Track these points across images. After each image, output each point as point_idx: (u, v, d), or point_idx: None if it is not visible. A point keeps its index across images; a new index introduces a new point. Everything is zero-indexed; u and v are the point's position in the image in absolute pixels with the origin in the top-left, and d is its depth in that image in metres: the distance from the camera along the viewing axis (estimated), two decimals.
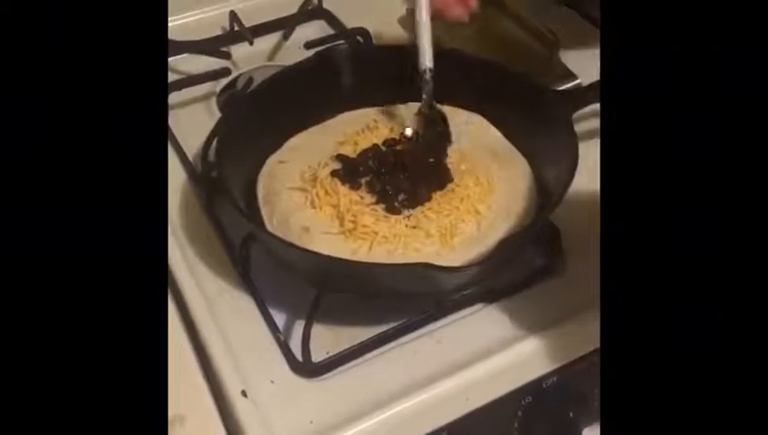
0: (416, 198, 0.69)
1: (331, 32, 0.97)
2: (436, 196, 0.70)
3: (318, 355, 0.62)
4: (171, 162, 0.79)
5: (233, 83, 0.91)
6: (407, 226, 0.67)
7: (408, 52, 0.76)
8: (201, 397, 0.61)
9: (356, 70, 0.80)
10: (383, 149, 0.74)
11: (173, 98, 0.86)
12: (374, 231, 0.66)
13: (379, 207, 0.68)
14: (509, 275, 0.68)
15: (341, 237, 0.67)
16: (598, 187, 0.46)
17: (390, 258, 0.65)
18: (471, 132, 0.77)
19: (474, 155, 0.74)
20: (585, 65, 0.83)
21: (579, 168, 0.66)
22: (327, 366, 0.63)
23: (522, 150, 0.76)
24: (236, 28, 0.95)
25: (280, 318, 0.66)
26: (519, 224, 0.69)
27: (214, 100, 0.88)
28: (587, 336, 0.64)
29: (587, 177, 0.67)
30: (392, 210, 0.68)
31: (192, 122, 0.85)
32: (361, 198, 0.69)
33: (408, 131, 0.76)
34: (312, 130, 0.79)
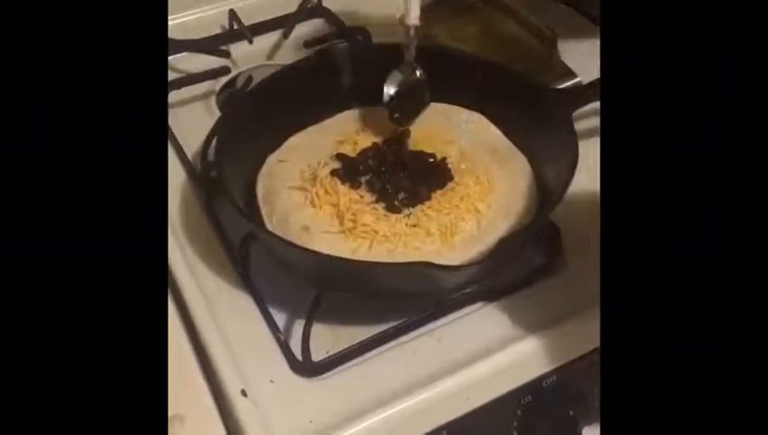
0: (416, 197, 0.69)
1: (331, 30, 0.97)
2: (437, 194, 0.70)
3: (318, 355, 0.62)
4: (171, 161, 0.79)
5: (232, 82, 0.90)
6: (407, 224, 0.67)
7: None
8: (201, 396, 0.61)
9: (356, 69, 0.80)
10: (383, 147, 0.74)
11: (172, 97, 0.86)
12: (374, 230, 0.66)
13: (379, 206, 0.68)
14: (509, 273, 0.68)
15: (341, 236, 0.67)
16: (598, 185, 0.46)
17: (390, 257, 0.65)
18: (471, 131, 0.77)
19: (474, 154, 0.74)
20: (585, 63, 0.83)
21: (579, 166, 0.66)
22: (327, 365, 0.62)
23: (522, 149, 0.76)
24: (236, 27, 0.95)
25: (280, 317, 0.66)
26: (519, 222, 0.69)
27: (213, 98, 0.88)
28: (587, 335, 0.64)
29: (587, 175, 0.67)
30: (392, 209, 0.68)
31: (191, 121, 0.85)
32: (361, 196, 0.69)
33: (386, 95, 0.76)
34: (312, 129, 0.79)
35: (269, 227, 0.69)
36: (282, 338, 0.65)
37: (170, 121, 0.83)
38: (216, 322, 0.65)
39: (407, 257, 0.64)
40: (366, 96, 0.79)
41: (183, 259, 0.69)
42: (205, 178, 0.76)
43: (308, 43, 0.95)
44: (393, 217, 0.68)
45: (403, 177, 0.71)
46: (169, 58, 0.90)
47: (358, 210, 0.68)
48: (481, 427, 0.65)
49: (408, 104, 0.76)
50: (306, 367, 0.62)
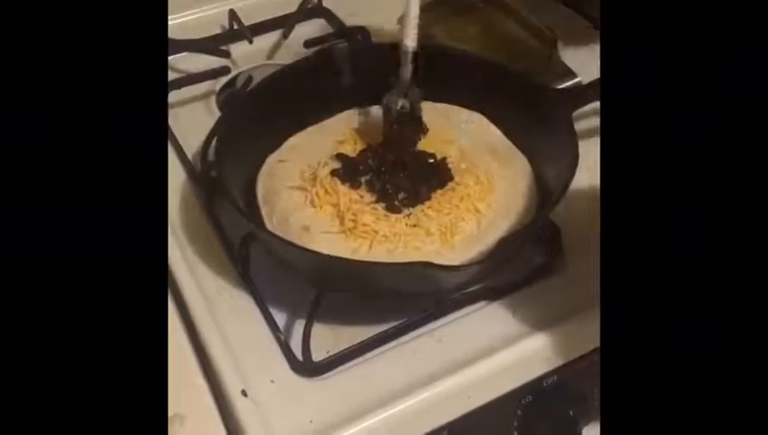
0: (416, 197, 0.69)
1: (331, 30, 0.97)
2: (437, 194, 0.70)
3: (318, 355, 0.62)
4: (171, 161, 0.78)
5: (232, 82, 0.90)
6: (407, 224, 0.67)
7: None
8: (201, 396, 0.61)
9: (356, 69, 0.80)
10: (384, 147, 0.74)
11: (172, 97, 0.86)
12: (374, 230, 0.66)
13: (379, 206, 0.68)
14: (509, 273, 0.68)
15: (341, 236, 0.67)
16: (598, 185, 0.46)
17: (391, 257, 0.65)
18: (471, 131, 0.77)
19: (474, 154, 0.74)
20: (585, 63, 0.83)
21: (579, 166, 0.66)
22: (327, 365, 0.63)
23: (522, 149, 0.76)
24: (236, 27, 0.95)
25: (280, 317, 0.66)
26: (519, 222, 0.69)
27: (213, 98, 0.88)
28: (587, 335, 0.64)
29: (587, 175, 0.67)
30: (392, 209, 0.68)
31: (191, 121, 0.84)
32: (361, 196, 0.69)
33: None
34: (312, 129, 0.79)
35: (269, 227, 0.69)
36: (282, 338, 0.65)
37: (170, 121, 0.83)
38: (216, 322, 0.65)
39: (407, 257, 0.64)
40: (366, 96, 0.79)
41: (183, 259, 0.69)
42: (205, 178, 0.76)
43: (308, 43, 0.95)
44: (393, 217, 0.68)
45: (403, 177, 0.70)
46: (169, 58, 0.90)
47: (358, 210, 0.68)
48: (481, 427, 0.65)
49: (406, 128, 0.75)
50: (306, 367, 0.62)
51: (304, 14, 0.98)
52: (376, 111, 0.78)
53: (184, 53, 0.92)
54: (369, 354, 0.64)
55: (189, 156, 0.80)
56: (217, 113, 0.85)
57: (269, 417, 0.59)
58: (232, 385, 0.60)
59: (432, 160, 0.73)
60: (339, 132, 0.77)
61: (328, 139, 0.76)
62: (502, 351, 0.63)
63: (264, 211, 0.71)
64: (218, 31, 0.96)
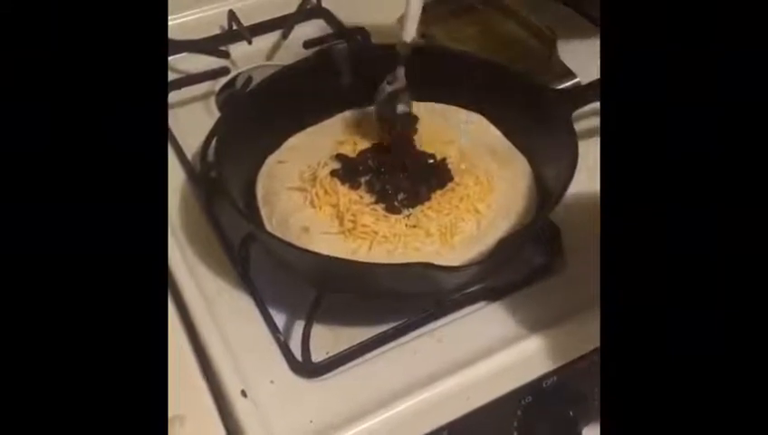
0: (415, 198, 0.69)
1: (330, 31, 0.97)
2: (436, 195, 0.70)
3: (318, 355, 0.62)
4: (170, 162, 0.78)
5: (232, 83, 0.90)
6: (406, 225, 0.67)
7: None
8: (201, 397, 0.61)
9: (355, 69, 0.80)
10: (384, 148, 0.74)
11: (172, 97, 0.86)
12: (374, 231, 0.66)
13: (379, 207, 0.68)
14: (509, 274, 0.68)
15: (341, 237, 0.67)
16: (598, 185, 0.46)
17: (390, 258, 0.65)
18: (471, 131, 0.77)
19: (473, 154, 0.74)
20: (584, 64, 0.83)
21: (578, 166, 0.66)
22: (327, 366, 0.62)
23: (521, 149, 0.76)
24: (235, 27, 0.95)
25: (280, 318, 0.66)
26: (519, 223, 0.69)
27: (213, 99, 0.88)
28: (587, 335, 0.64)
29: (587, 175, 0.67)
30: (392, 210, 0.68)
31: (191, 122, 0.84)
32: (361, 197, 0.69)
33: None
34: (312, 129, 0.79)
35: (269, 227, 0.69)
36: (282, 339, 0.65)
37: (170, 122, 0.83)
38: (215, 322, 0.65)
39: (406, 258, 0.64)
40: (366, 97, 0.79)
41: (183, 260, 0.69)
42: (204, 179, 0.76)
43: (307, 44, 0.95)
44: (393, 217, 0.68)
45: (403, 177, 0.70)
46: (169, 58, 0.90)
47: (357, 211, 0.68)
48: (481, 427, 0.65)
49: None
50: (306, 368, 0.62)
51: (304, 14, 0.98)
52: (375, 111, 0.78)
53: (183, 54, 0.92)
54: (368, 355, 0.64)
55: (189, 156, 0.80)
56: (217, 114, 0.85)
57: (269, 417, 0.59)
58: (232, 386, 0.60)
59: (432, 161, 0.73)
60: (338, 133, 0.77)
61: (327, 139, 0.76)
62: (502, 351, 0.63)
63: (263, 212, 0.71)
64: (218, 31, 0.96)
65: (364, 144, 0.75)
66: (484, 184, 0.71)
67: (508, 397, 0.64)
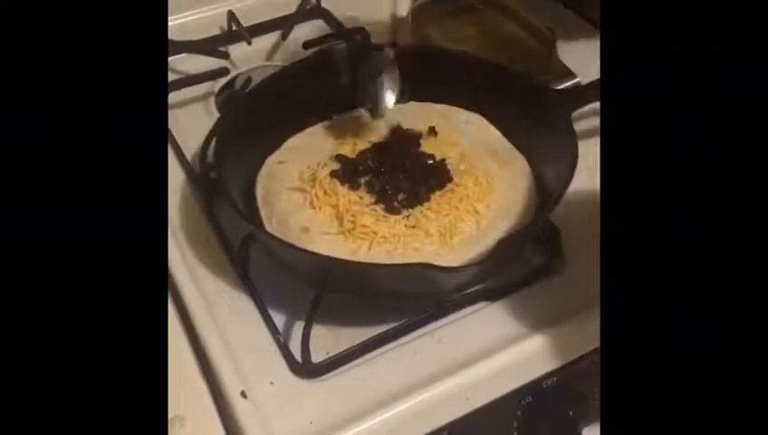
0: (415, 198, 0.69)
1: (330, 31, 0.97)
2: (436, 195, 0.70)
3: (318, 356, 0.62)
4: (170, 163, 0.78)
5: (231, 83, 0.90)
6: (406, 225, 0.67)
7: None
8: (201, 398, 0.61)
9: (355, 69, 0.80)
10: (387, 148, 0.74)
11: (171, 98, 0.86)
12: (373, 231, 0.66)
13: (379, 207, 0.68)
14: (509, 274, 0.68)
15: (341, 238, 0.67)
16: (597, 185, 0.46)
17: (390, 258, 0.65)
18: (470, 132, 0.77)
19: (473, 154, 0.74)
20: (584, 64, 0.83)
21: (578, 166, 0.66)
22: (327, 367, 0.62)
23: (521, 150, 0.76)
24: (234, 28, 0.95)
25: (279, 319, 0.66)
26: (519, 223, 0.69)
27: (212, 100, 0.88)
28: (587, 336, 0.63)
29: (586, 176, 0.67)
30: (391, 210, 0.68)
31: (190, 122, 0.84)
32: (360, 198, 0.69)
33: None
34: (311, 130, 0.79)
35: (268, 228, 0.69)
36: (281, 339, 0.65)
37: (169, 123, 0.83)
38: (215, 323, 0.65)
39: (406, 259, 0.64)
40: None
41: (182, 261, 0.69)
42: (204, 180, 0.76)
43: (307, 44, 0.95)
44: (392, 218, 0.68)
45: (402, 178, 0.70)
46: (168, 59, 0.90)
47: (357, 211, 0.68)
48: (481, 428, 0.65)
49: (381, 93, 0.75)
50: (306, 368, 0.62)
51: (303, 15, 0.98)
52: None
53: (183, 55, 0.91)
54: (368, 355, 0.64)
55: (188, 157, 0.80)
56: (216, 114, 0.85)
57: (268, 418, 0.59)
58: (231, 387, 0.60)
59: (431, 162, 0.73)
60: (338, 133, 0.77)
61: (327, 140, 0.76)
62: (501, 351, 0.63)
63: (263, 212, 0.71)
64: (217, 32, 0.96)
65: (364, 144, 0.75)
66: (483, 184, 0.71)
67: (508, 397, 0.64)
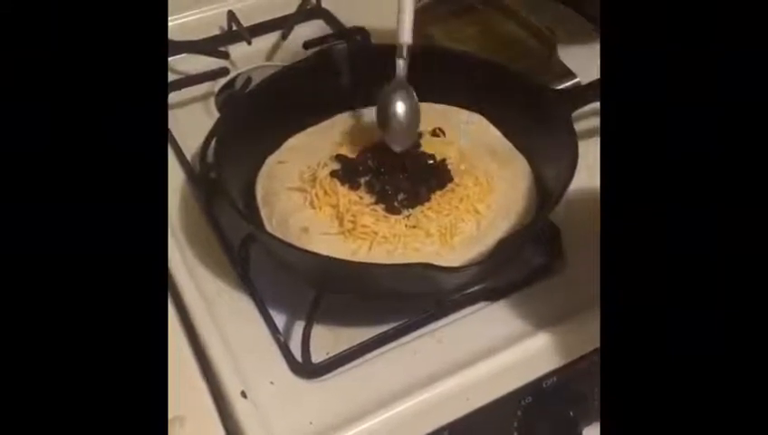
0: (415, 198, 0.69)
1: (330, 31, 0.97)
2: (436, 195, 0.70)
3: (318, 356, 0.62)
4: (170, 163, 0.78)
5: (231, 83, 0.90)
6: (406, 226, 0.67)
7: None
8: (201, 398, 0.61)
9: (355, 69, 0.80)
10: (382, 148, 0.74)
11: (171, 98, 0.86)
12: (374, 231, 0.66)
13: (379, 207, 0.68)
14: (509, 274, 0.68)
15: (341, 238, 0.67)
16: (598, 185, 0.46)
17: (390, 258, 0.65)
18: (471, 132, 0.77)
19: (473, 154, 0.74)
20: (584, 64, 0.83)
21: (578, 166, 0.66)
22: (327, 367, 0.62)
23: (521, 150, 0.76)
24: (234, 28, 0.95)
25: (279, 319, 0.66)
26: (519, 223, 0.69)
27: (212, 100, 0.88)
28: (587, 336, 0.64)
29: (587, 175, 0.67)
30: (392, 210, 0.68)
31: (190, 123, 0.84)
32: (361, 198, 0.69)
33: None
34: (311, 130, 0.79)
35: (268, 228, 0.69)
36: (281, 339, 0.65)
37: (169, 123, 0.83)
38: (215, 323, 0.65)
39: (406, 259, 0.64)
40: (365, 97, 0.79)
41: (182, 261, 0.69)
42: (204, 180, 0.76)
43: (307, 44, 0.95)
44: (393, 218, 0.68)
45: (402, 178, 0.70)
46: (168, 59, 0.90)
47: (357, 211, 0.68)
48: (481, 428, 0.65)
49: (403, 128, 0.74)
50: (306, 368, 0.62)
51: (303, 15, 0.98)
52: (375, 111, 0.78)
53: (183, 55, 0.92)
54: (368, 355, 0.64)
55: (188, 157, 0.80)
56: (216, 114, 0.85)
57: (269, 418, 0.59)
58: (231, 387, 0.60)
59: (431, 162, 0.73)
60: (338, 133, 0.77)
61: (327, 140, 0.76)
62: (502, 351, 0.63)
63: (263, 212, 0.71)
64: (217, 32, 0.96)
65: (364, 145, 0.75)
66: (483, 184, 0.71)
67: (508, 397, 0.64)
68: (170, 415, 0.56)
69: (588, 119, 0.77)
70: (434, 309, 0.66)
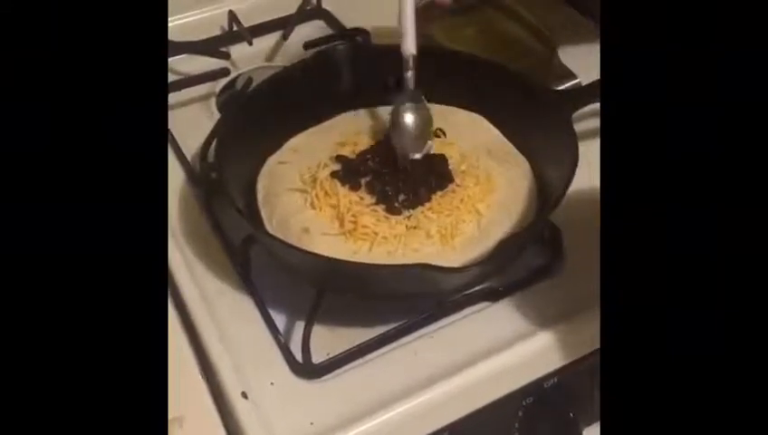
0: (416, 199, 0.69)
1: (331, 32, 0.97)
2: (437, 196, 0.69)
3: (318, 356, 0.62)
4: (170, 163, 0.78)
5: (232, 84, 0.90)
6: (407, 226, 0.67)
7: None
8: (201, 398, 0.61)
9: (355, 70, 0.80)
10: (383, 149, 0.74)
11: (172, 98, 0.86)
12: (374, 232, 0.66)
13: (379, 208, 0.68)
14: (510, 275, 0.68)
15: (341, 238, 0.67)
16: (598, 186, 0.46)
17: (391, 259, 0.65)
18: (471, 132, 0.77)
19: (474, 155, 0.74)
20: (585, 65, 0.83)
21: (579, 167, 0.66)
22: (327, 367, 0.62)
23: (522, 150, 0.76)
24: (235, 28, 0.95)
25: (280, 319, 0.66)
26: (519, 224, 0.69)
27: (213, 100, 0.88)
28: (588, 336, 0.63)
29: (587, 176, 0.67)
30: (392, 211, 0.68)
31: (191, 123, 0.84)
32: (361, 198, 0.69)
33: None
34: (312, 130, 0.79)
35: (269, 228, 0.69)
36: (282, 340, 0.65)
37: (170, 123, 0.83)
38: (216, 324, 0.65)
39: (407, 259, 0.64)
40: (366, 97, 0.79)
41: (183, 261, 0.69)
42: (204, 180, 0.76)
43: (308, 45, 0.95)
44: (393, 218, 0.68)
45: (403, 179, 0.70)
46: (169, 60, 0.90)
47: (358, 212, 0.68)
48: (482, 428, 0.65)
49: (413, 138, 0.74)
50: (306, 369, 0.62)
51: (304, 15, 0.98)
52: (376, 112, 0.78)
53: (183, 55, 0.92)
54: (369, 356, 0.64)
55: (189, 158, 0.80)
56: (217, 115, 0.85)
57: (269, 419, 0.59)
58: (232, 387, 0.60)
59: (432, 162, 0.73)
60: (339, 134, 0.77)
61: (328, 140, 0.76)
62: (502, 352, 0.63)
63: (263, 213, 0.71)
64: (218, 32, 0.96)
65: (364, 145, 0.75)
66: (484, 185, 0.71)
67: (509, 398, 0.64)
68: (170, 415, 0.56)
69: (588, 119, 0.77)
70: (434, 309, 0.66)
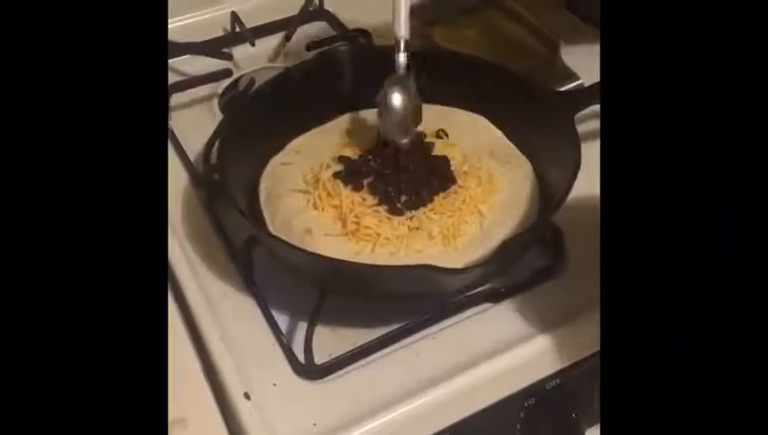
0: (418, 200, 0.69)
1: (333, 33, 0.97)
2: (439, 197, 0.69)
3: (321, 357, 0.62)
4: (173, 164, 0.79)
5: (234, 85, 0.91)
6: (409, 227, 0.67)
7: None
8: (203, 399, 0.61)
9: (358, 71, 0.80)
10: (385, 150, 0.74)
11: (175, 99, 0.86)
12: (377, 233, 0.66)
13: (382, 209, 0.68)
14: (512, 276, 0.68)
15: (344, 239, 0.67)
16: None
17: (393, 260, 0.65)
18: (473, 133, 0.77)
19: (476, 156, 0.74)
20: (587, 66, 0.83)
21: (581, 168, 0.66)
22: (330, 368, 0.62)
23: (524, 151, 0.76)
24: (238, 29, 0.95)
25: (282, 320, 0.66)
26: (522, 225, 0.69)
27: (215, 101, 0.88)
28: (590, 337, 0.63)
29: (590, 177, 0.66)
30: (395, 212, 0.68)
31: (194, 124, 0.85)
32: (364, 199, 0.69)
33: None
34: (314, 131, 0.79)
35: (272, 229, 0.69)
36: (285, 341, 0.65)
37: (172, 124, 0.83)
38: (218, 324, 0.65)
39: (409, 260, 0.64)
40: (368, 98, 0.79)
41: (186, 262, 0.69)
42: (207, 181, 0.76)
43: (310, 46, 0.95)
44: (395, 219, 0.68)
45: (405, 179, 0.70)
46: (172, 61, 0.90)
47: (360, 213, 0.68)
48: (484, 429, 0.65)
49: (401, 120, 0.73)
50: (309, 370, 0.62)
51: (306, 16, 0.98)
52: (378, 112, 0.78)
53: (186, 56, 0.92)
54: (371, 357, 0.64)
55: (191, 159, 0.80)
56: (220, 116, 0.85)
57: (272, 420, 0.59)
58: (234, 388, 0.60)
59: (434, 163, 0.73)
60: (341, 135, 0.77)
61: (330, 141, 0.76)
62: (505, 353, 0.63)
63: (266, 214, 0.71)
64: (220, 33, 0.96)
65: (367, 146, 0.75)
66: (486, 186, 0.71)
67: (511, 399, 0.64)
68: (173, 417, 0.56)
69: (591, 121, 0.77)
70: (437, 311, 0.66)
